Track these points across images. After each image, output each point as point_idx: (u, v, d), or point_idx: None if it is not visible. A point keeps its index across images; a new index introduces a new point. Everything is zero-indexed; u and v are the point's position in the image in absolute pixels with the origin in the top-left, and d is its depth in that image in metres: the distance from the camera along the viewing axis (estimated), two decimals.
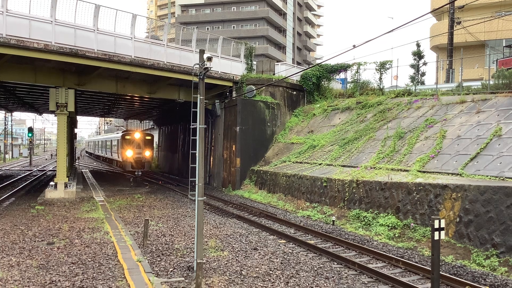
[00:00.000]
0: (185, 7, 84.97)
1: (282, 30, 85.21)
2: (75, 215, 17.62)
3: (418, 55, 41.54)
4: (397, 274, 10.81)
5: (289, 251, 12.85)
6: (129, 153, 37.91)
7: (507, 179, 12.87)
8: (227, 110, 28.73)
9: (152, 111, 43.43)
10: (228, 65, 28.57)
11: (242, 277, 10.18)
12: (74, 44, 20.51)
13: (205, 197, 10.20)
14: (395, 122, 20.84)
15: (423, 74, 42.18)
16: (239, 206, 21.35)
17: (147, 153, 38.45)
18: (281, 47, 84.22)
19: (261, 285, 9.68)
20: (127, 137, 38.64)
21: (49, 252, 11.90)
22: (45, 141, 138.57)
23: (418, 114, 20.37)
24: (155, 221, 16.76)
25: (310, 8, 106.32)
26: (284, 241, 14.27)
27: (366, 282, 10.26)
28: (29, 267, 10.44)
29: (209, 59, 9.78)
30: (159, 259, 11.51)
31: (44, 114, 50.71)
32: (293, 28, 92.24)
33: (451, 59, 29.23)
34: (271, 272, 10.62)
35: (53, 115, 30.82)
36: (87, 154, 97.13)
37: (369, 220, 16.01)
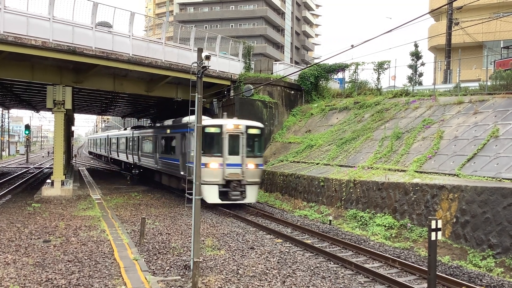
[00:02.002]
0: (183, 6, 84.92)
1: (280, 30, 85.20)
2: (72, 213, 17.58)
3: (416, 55, 41.59)
4: (394, 274, 10.82)
5: (286, 250, 12.85)
6: (214, 165, 19.24)
7: (504, 180, 12.90)
8: (225, 109, 28.70)
9: (149, 109, 43.35)
10: (226, 64, 28.53)
11: (238, 276, 10.18)
12: (72, 42, 20.45)
13: (202, 196, 10.18)
14: (392, 122, 20.86)
15: (421, 74, 42.31)
16: (235, 205, 21.32)
17: (251, 165, 19.65)
18: (279, 47, 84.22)
19: (258, 284, 9.68)
20: (212, 130, 19.44)
21: (46, 250, 11.87)
22: (42, 139, 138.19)
23: (415, 114, 20.40)
24: (152, 220, 16.74)
25: (309, 8, 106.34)
26: (281, 241, 14.27)
27: (362, 282, 10.27)
28: (25, 265, 10.41)
29: (207, 57, 9.77)
30: (155, 258, 11.50)
31: (41, 112, 50.63)
32: (291, 28, 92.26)
33: (449, 59, 29.27)
34: (267, 271, 10.61)
35: (50, 112, 30.75)
36: (90, 155, 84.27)
37: (366, 220, 16.03)
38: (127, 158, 38.88)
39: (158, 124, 30.41)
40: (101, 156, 65.50)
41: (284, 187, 22.11)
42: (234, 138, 19.39)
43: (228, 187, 19.09)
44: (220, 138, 19.12)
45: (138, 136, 33.67)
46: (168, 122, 26.80)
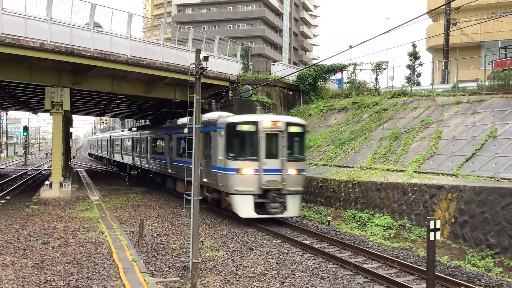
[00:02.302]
0: (181, 7, 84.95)
1: (278, 30, 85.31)
2: (70, 215, 17.56)
3: (414, 56, 41.66)
4: (392, 275, 10.83)
5: (285, 251, 12.85)
6: (249, 170, 16.13)
7: (502, 180, 12.92)
8: (223, 110, 28.65)
9: (148, 110, 43.32)
10: (225, 65, 28.54)
11: (237, 277, 10.18)
12: (70, 43, 20.42)
13: (201, 197, 10.19)
14: (391, 123, 20.88)
15: (419, 75, 42.33)
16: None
17: (292, 171, 16.55)
18: (277, 47, 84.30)
19: (257, 285, 9.68)
20: (246, 128, 16.48)
21: (44, 251, 11.86)
22: (40, 140, 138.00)
23: (413, 114, 20.42)
24: (150, 221, 16.73)
25: (307, 9, 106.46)
26: (280, 241, 14.26)
27: (361, 283, 10.27)
28: (24, 267, 10.39)
29: (206, 58, 9.76)
30: (154, 259, 11.49)
31: (39, 113, 50.55)
32: (289, 28, 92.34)
33: (447, 60, 29.33)
34: (266, 272, 10.61)
35: (49, 114, 30.70)
36: (90, 157, 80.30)
37: (365, 221, 16.04)
38: (133, 161, 35.44)
39: (170, 123, 26.74)
40: (103, 159, 61.83)
41: None
42: (272, 137, 16.30)
43: (265, 197, 15.89)
44: (256, 138, 16.01)
45: (147, 137, 30.53)
46: (183, 120, 23.66)
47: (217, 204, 18.51)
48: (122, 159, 41.02)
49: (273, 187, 15.95)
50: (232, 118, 17.08)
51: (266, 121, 16.26)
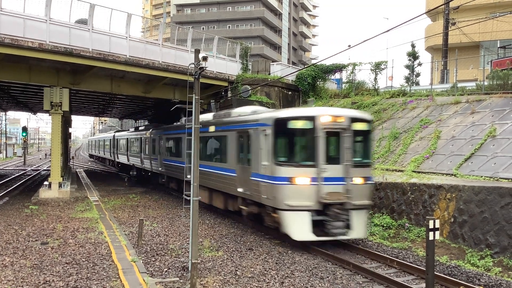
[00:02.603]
0: (180, 7, 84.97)
1: (277, 30, 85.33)
2: (69, 215, 17.55)
3: (413, 56, 41.70)
4: (392, 274, 10.82)
5: (284, 251, 12.84)
6: (304, 179, 12.80)
7: (501, 180, 12.94)
8: (223, 110, 28.67)
9: (147, 110, 43.32)
10: (224, 65, 28.54)
11: (237, 277, 10.18)
12: (69, 43, 20.42)
13: (200, 197, 10.19)
14: (390, 123, 20.88)
15: (418, 74, 42.41)
16: None
17: (358, 179, 13.23)
18: (276, 47, 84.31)
19: (256, 285, 9.68)
20: (300, 124, 13.16)
21: (43, 252, 11.85)
22: (39, 141, 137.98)
23: (413, 114, 20.43)
24: (149, 221, 16.72)
25: (306, 9, 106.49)
26: (279, 241, 14.25)
27: (361, 282, 10.27)
28: (23, 267, 10.39)
29: (205, 58, 9.76)
30: (153, 259, 11.48)
31: (38, 114, 50.49)
32: (288, 28, 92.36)
33: (445, 60, 29.36)
34: (266, 272, 10.61)
35: (48, 114, 30.67)
36: (91, 158, 76.45)
37: None
38: (142, 164, 31.45)
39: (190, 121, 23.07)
40: (105, 160, 57.82)
41: None
42: (333, 137, 13.03)
43: (325, 214, 12.55)
44: (313, 138, 12.72)
45: (159, 138, 26.96)
46: (207, 116, 20.12)
47: (255, 219, 15.41)
48: (128, 161, 37.48)
49: (335, 201, 12.63)
50: (281, 112, 13.82)
51: (326, 116, 12.83)
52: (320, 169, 12.59)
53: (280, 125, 12.96)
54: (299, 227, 12.46)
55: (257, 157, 13.73)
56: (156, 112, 42.73)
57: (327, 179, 12.60)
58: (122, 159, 40.58)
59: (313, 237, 12.38)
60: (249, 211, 15.05)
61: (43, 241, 13.00)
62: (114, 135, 46.13)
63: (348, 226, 12.70)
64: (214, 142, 18.34)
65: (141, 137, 32.23)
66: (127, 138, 37.71)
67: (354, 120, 13.22)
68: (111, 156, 48.64)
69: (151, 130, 29.64)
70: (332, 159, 12.89)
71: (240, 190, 14.98)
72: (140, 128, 35.63)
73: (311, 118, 12.76)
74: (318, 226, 12.48)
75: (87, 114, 53.75)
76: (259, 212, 14.46)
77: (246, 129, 14.76)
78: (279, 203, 12.67)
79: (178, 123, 25.01)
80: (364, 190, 13.16)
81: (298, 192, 12.52)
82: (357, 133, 13.27)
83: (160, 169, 26.54)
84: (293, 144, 13.46)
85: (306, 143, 13.25)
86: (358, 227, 12.85)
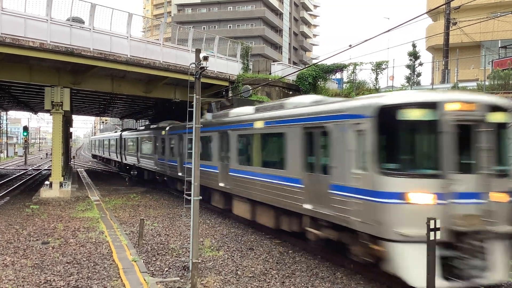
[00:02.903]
0: (181, 7, 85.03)
1: (278, 30, 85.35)
2: (70, 215, 17.57)
3: (414, 55, 41.65)
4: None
5: (285, 251, 12.83)
6: (425, 197, 8.52)
7: None
8: (223, 110, 28.64)
9: (148, 110, 43.36)
10: (224, 65, 28.55)
11: (237, 277, 10.18)
12: (70, 43, 20.45)
13: (201, 197, 10.18)
14: None
15: (419, 74, 42.31)
16: None
17: (501, 195, 8.86)
18: (277, 47, 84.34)
19: (257, 285, 9.68)
20: (417, 114, 8.75)
21: (44, 251, 11.87)
22: (40, 140, 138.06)
23: None
24: (150, 221, 16.73)
25: (307, 8, 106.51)
26: (279, 241, 14.25)
27: (361, 282, 10.25)
28: (24, 267, 10.40)
29: (205, 58, 9.76)
30: (154, 259, 11.49)
31: (39, 113, 50.62)
32: (289, 28, 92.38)
33: (446, 59, 29.32)
34: (266, 272, 10.61)
35: (49, 114, 30.72)
36: (94, 159, 73.30)
37: None
38: (157, 167, 28.06)
39: (216, 117, 19.49)
40: (110, 161, 53.66)
41: None
42: (463, 132, 8.84)
43: (455, 247, 8.55)
44: (435, 134, 8.78)
45: (178, 137, 23.03)
46: (245, 110, 16.70)
47: (330, 245, 11.43)
48: (139, 163, 33.29)
49: (471, 228, 8.53)
50: (387, 98, 9.45)
51: (454, 102, 8.81)
52: (449, 180, 8.61)
53: (389, 115, 8.89)
54: (417, 267, 8.12)
55: (342, 162, 9.93)
56: (157, 112, 42.67)
57: (458, 196, 8.64)
58: (131, 160, 36.38)
59: (444, 284, 8.14)
60: (325, 236, 11.11)
61: (44, 241, 13.01)
62: (121, 135, 42.14)
63: (487, 264, 8.55)
64: (261, 141, 14.47)
65: (155, 137, 28.48)
66: (137, 138, 33.74)
67: (494, 108, 9.10)
68: (117, 157, 44.38)
69: (169, 127, 25.48)
70: (464, 166, 8.85)
71: (308, 207, 11.32)
72: (152, 126, 31.40)
73: (433, 105, 8.73)
74: (447, 266, 8.39)
75: (88, 114, 53.84)
76: (340, 239, 10.58)
77: (320, 123, 10.85)
78: (385, 230, 8.70)
79: (201, 119, 20.39)
80: (508, 210, 9.05)
81: (417, 215, 8.34)
82: (497, 126, 9.12)
83: (179, 174, 22.65)
84: (407, 144, 9.38)
85: (426, 142, 9.25)
86: (499, 266, 8.65)
